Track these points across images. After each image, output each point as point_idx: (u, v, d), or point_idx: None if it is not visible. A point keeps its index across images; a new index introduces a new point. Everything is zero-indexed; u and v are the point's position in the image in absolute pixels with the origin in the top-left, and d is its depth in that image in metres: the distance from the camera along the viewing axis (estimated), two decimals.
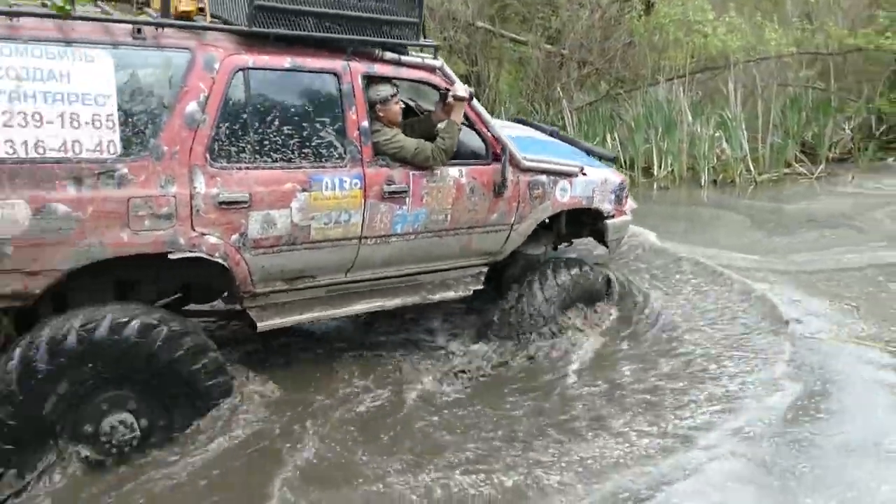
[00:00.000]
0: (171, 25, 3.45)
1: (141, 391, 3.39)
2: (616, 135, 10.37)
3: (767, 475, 3.54)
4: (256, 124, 3.62)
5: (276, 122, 3.67)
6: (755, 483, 3.49)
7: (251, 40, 3.63)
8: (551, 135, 5.74)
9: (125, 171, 3.27)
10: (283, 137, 3.68)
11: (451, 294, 4.62)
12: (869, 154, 10.96)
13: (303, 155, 3.74)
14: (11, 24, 3.07)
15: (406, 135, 4.18)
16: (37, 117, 3.11)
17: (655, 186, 9.95)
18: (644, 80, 11.09)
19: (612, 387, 4.42)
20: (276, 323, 3.96)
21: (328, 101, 3.82)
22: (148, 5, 3.99)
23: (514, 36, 11.18)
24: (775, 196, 9.43)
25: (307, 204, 3.72)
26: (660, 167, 10.16)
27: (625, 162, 10.12)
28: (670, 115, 10.29)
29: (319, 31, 3.72)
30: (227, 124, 3.52)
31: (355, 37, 3.84)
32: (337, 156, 3.83)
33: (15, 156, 3.06)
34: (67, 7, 3.13)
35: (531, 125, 6.07)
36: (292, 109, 3.73)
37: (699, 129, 10.17)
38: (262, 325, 3.89)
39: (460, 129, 4.18)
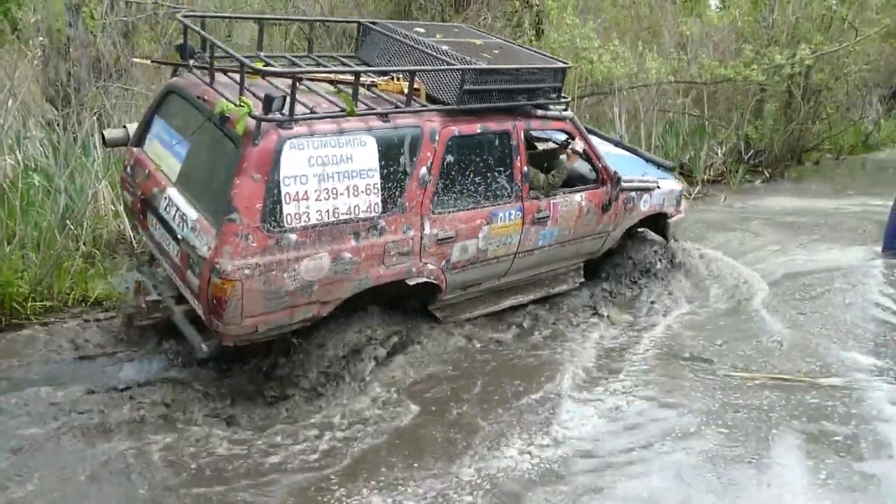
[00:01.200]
0: (406, 112, 4.45)
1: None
2: None
3: None
4: (459, 178, 4.78)
5: (471, 175, 4.84)
6: None
7: (453, 113, 4.67)
8: (616, 145, 6.80)
9: (384, 223, 4.43)
10: (474, 185, 4.87)
11: (564, 287, 6.10)
12: (738, 177, 11.82)
13: (486, 197, 4.94)
14: (312, 123, 4.08)
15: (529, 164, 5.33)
16: (334, 191, 4.18)
17: None
18: None
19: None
20: (457, 319, 5.37)
21: (502, 154, 4.97)
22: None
23: None
24: None
25: (488, 233, 4.98)
26: None
27: None
28: None
29: (500, 102, 4.86)
30: (442, 181, 4.67)
31: (523, 102, 5.00)
32: (507, 195, 5.05)
33: (322, 221, 4.14)
34: (354, 109, 4.23)
35: (596, 133, 6.86)
36: (480, 163, 4.87)
37: None
38: (452, 320, 5.31)
39: (568, 172, 5.44)
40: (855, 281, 7.02)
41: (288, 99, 3.90)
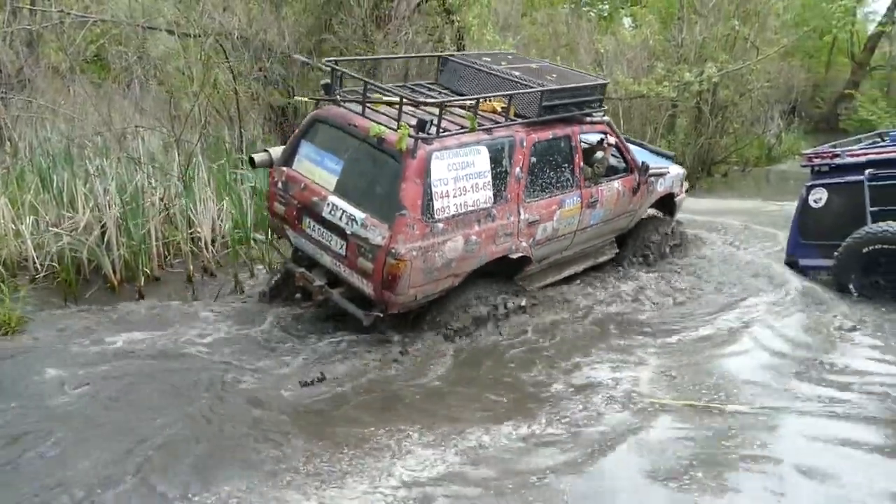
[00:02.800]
0: (502, 126, 5.68)
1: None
2: None
3: None
4: (540, 174, 5.97)
5: (547, 171, 6.04)
6: None
7: (532, 124, 5.88)
8: (626, 140, 7.48)
9: (495, 212, 5.59)
10: (550, 179, 6.06)
11: (605, 257, 7.25)
12: None
13: (557, 187, 6.12)
14: (444, 139, 5.23)
15: None
16: (464, 189, 5.36)
17: None
18: None
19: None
20: (534, 287, 6.44)
21: (567, 153, 6.19)
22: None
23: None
24: None
25: (560, 216, 6.15)
26: None
27: None
28: None
29: (565, 112, 6.14)
30: (530, 176, 5.86)
31: (577, 112, 6.25)
32: (571, 185, 6.24)
33: (458, 212, 5.33)
34: (475, 125, 5.36)
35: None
36: (552, 161, 6.08)
37: None
38: (529, 289, 6.33)
39: (608, 162, 6.58)
40: None
41: (435, 120, 5.11)
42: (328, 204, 5.39)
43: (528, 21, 17.71)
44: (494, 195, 5.56)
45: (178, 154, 7.86)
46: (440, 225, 5.22)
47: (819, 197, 6.94)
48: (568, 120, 6.18)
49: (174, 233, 6.98)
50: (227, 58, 9.55)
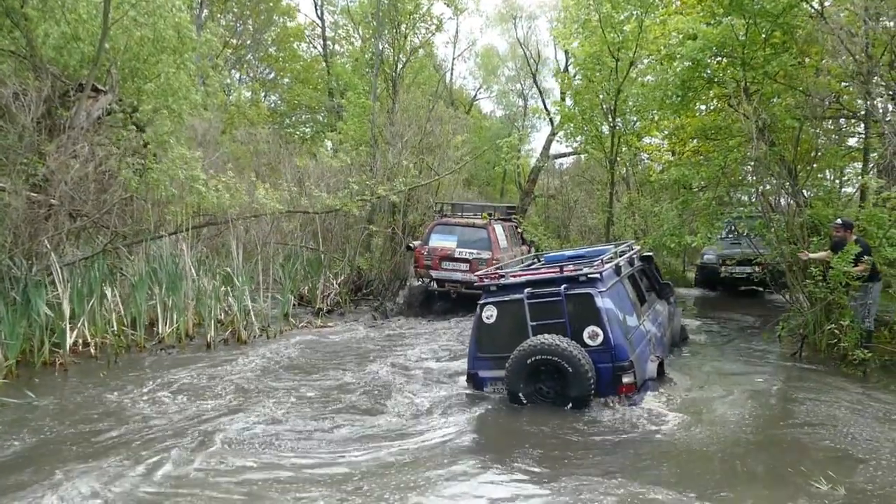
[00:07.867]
0: (500, 220, 14.73)
1: None
2: (117, 291, 9.72)
3: None
4: (511, 238, 15.04)
5: (513, 237, 15.47)
6: None
7: (503, 220, 14.97)
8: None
9: (508, 248, 14.38)
10: (513, 240, 15.35)
11: None
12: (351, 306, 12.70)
13: (515, 244, 15.36)
14: (494, 220, 14.37)
15: None
16: (503, 239, 14.30)
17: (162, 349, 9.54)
18: (147, 235, 10.79)
19: None
20: None
21: (513, 231, 15.50)
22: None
23: None
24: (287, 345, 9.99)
25: (518, 255, 14.00)
26: (165, 324, 9.82)
27: (126, 320, 9.54)
28: (175, 270, 10.15)
29: (511, 215, 16.34)
30: (510, 238, 15.10)
31: (510, 216, 16.19)
32: (517, 244, 15.44)
33: (502, 247, 13.87)
34: (487, 219, 14.02)
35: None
36: (512, 233, 15.39)
37: (205, 284, 10.27)
38: None
39: (521, 238, 16.51)
40: None
41: (495, 214, 14.51)
42: (457, 252, 12.90)
43: (228, 138, 17.66)
44: (508, 243, 13.57)
45: None
46: (501, 250, 12.91)
47: (490, 314, 7.67)
48: (508, 219, 14.86)
49: None
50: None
